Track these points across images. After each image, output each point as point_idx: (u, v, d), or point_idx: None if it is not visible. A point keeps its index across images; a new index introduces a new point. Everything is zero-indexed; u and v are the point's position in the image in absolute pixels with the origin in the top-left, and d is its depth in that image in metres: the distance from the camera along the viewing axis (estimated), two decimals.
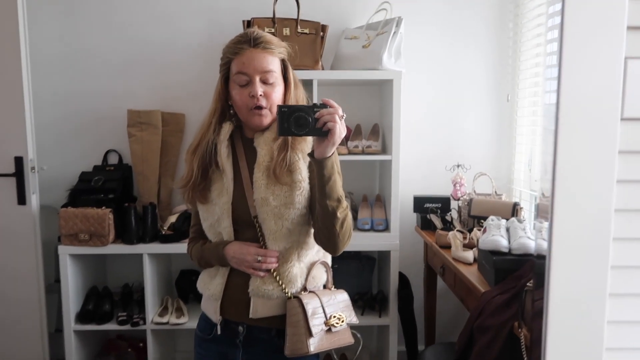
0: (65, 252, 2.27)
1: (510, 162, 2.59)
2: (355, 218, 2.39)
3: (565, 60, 0.72)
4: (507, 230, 1.76)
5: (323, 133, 1.11)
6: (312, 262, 1.30)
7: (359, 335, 1.36)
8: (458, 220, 2.31)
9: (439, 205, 2.39)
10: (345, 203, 1.20)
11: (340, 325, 1.26)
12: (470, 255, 1.92)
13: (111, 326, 2.35)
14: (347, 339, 1.29)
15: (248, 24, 2.28)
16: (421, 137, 2.58)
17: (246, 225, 1.26)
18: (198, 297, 1.96)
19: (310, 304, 1.23)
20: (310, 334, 1.20)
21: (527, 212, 2.30)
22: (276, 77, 1.24)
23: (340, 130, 1.11)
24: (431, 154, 2.59)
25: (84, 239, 2.26)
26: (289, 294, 1.24)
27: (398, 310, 2.37)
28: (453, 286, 2.02)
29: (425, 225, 2.39)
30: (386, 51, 2.19)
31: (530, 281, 1.42)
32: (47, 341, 2.35)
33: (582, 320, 0.80)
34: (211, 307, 1.30)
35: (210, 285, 1.31)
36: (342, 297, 1.33)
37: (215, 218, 1.28)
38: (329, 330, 1.24)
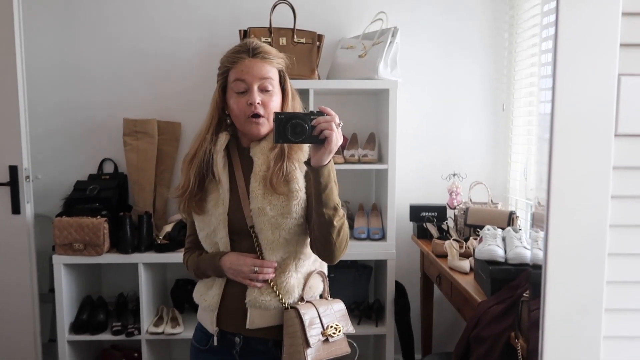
0: (59, 261, 2.25)
1: (506, 171, 2.61)
2: (351, 227, 2.39)
3: (559, 76, 0.73)
4: (503, 239, 1.77)
5: (320, 141, 1.11)
6: (309, 272, 1.30)
7: (355, 345, 1.36)
8: (454, 229, 2.32)
9: (435, 214, 2.40)
10: (341, 211, 1.20)
11: (337, 335, 1.26)
12: (466, 264, 1.92)
13: (105, 336, 2.33)
14: (344, 349, 1.28)
15: (244, 33, 2.28)
16: (417, 146, 2.59)
17: (243, 236, 1.25)
18: (194, 307, 1.95)
19: (308, 314, 1.22)
20: (307, 345, 1.19)
21: (523, 220, 2.31)
22: (274, 85, 1.24)
23: (337, 138, 1.11)
24: (427, 162, 2.59)
25: (78, 249, 2.25)
26: (286, 305, 1.23)
27: (395, 320, 2.36)
28: (450, 295, 2.02)
29: (422, 234, 2.39)
30: (382, 61, 2.20)
31: (526, 291, 1.43)
32: (40, 351, 2.33)
33: (579, 331, 0.80)
34: (208, 318, 1.29)
35: (207, 296, 1.30)
36: (339, 306, 1.32)
37: (212, 229, 1.28)
38: (326, 340, 1.24)
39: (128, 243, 2.28)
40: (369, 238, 2.36)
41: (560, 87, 0.73)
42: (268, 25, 2.27)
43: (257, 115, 1.22)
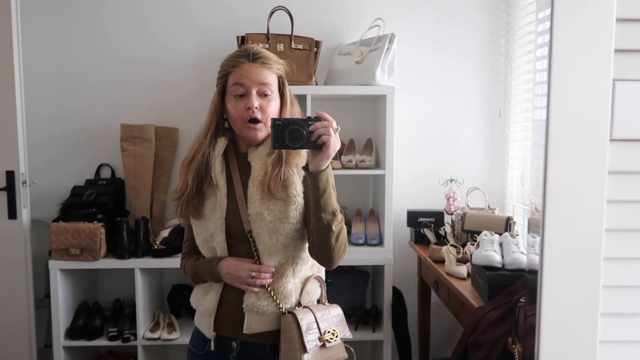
0: (55, 266, 2.24)
1: (503, 176, 2.61)
2: (349, 232, 2.39)
3: (554, 82, 0.73)
4: (501, 245, 1.77)
5: (317, 146, 1.11)
6: (306, 277, 1.30)
7: (352, 350, 1.36)
8: (452, 234, 2.32)
9: (433, 219, 2.40)
10: (340, 216, 1.20)
11: (335, 340, 1.26)
12: (463, 270, 1.92)
13: (101, 342, 2.32)
14: (341, 354, 1.28)
15: (242, 39, 2.29)
16: (414, 152, 2.60)
17: (240, 241, 1.26)
18: (190, 313, 1.94)
19: (305, 319, 1.22)
20: (304, 350, 1.19)
21: (521, 226, 2.31)
22: (273, 91, 1.25)
23: (335, 143, 1.12)
24: (424, 168, 2.60)
25: (75, 254, 2.24)
26: (284, 310, 1.23)
27: (392, 325, 2.36)
28: (447, 301, 2.02)
29: (419, 239, 2.39)
30: (379, 67, 2.21)
31: (523, 297, 1.43)
32: (36, 357, 2.31)
33: (575, 336, 0.80)
34: (205, 323, 1.29)
35: (204, 300, 1.30)
36: (336, 312, 1.32)
37: (209, 233, 1.28)
38: (323, 345, 1.24)
39: (125, 248, 2.28)
40: (366, 243, 2.36)
41: (556, 92, 0.74)
42: (266, 32, 2.28)
43: (255, 120, 1.23)
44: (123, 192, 2.54)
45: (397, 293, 2.40)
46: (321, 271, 1.34)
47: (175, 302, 2.52)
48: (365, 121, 2.58)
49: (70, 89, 2.53)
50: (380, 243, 2.35)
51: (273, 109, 1.25)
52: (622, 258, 0.78)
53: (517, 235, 1.81)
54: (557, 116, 0.74)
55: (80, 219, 2.29)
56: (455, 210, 2.37)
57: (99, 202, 2.37)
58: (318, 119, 1.13)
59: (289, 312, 1.23)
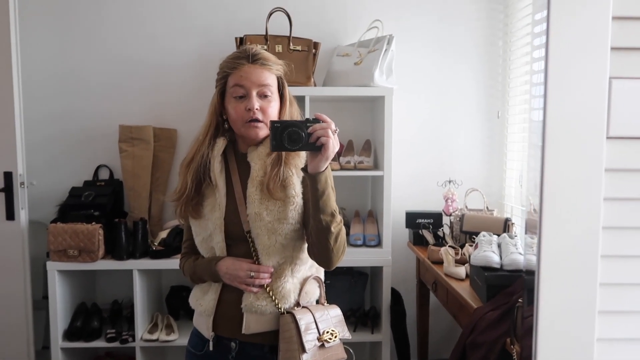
0: (53, 268, 2.24)
1: (502, 178, 2.62)
2: (347, 234, 2.38)
3: (550, 80, 0.74)
4: (499, 246, 1.77)
5: (316, 148, 1.12)
6: (305, 277, 1.30)
7: (351, 351, 1.36)
8: (450, 235, 2.32)
9: (431, 220, 2.40)
10: (339, 217, 1.20)
11: (333, 340, 1.26)
12: (462, 271, 1.92)
13: (100, 343, 2.31)
14: (341, 354, 1.28)
15: (240, 41, 2.30)
16: (413, 153, 2.60)
17: (239, 241, 1.26)
18: (188, 314, 1.93)
19: (304, 319, 1.22)
20: (303, 350, 1.19)
21: (519, 227, 2.32)
22: (272, 92, 1.25)
23: (334, 144, 1.12)
24: (423, 169, 2.60)
25: (73, 255, 2.23)
26: (282, 310, 1.23)
27: (390, 327, 2.36)
28: (445, 302, 2.02)
29: (418, 240, 2.39)
30: (378, 68, 2.21)
31: (521, 297, 1.43)
32: (34, 359, 2.30)
33: (572, 338, 0.80)
34: (203, 323, 1.29)
35: (203, 301, 1.29)
36: (335, 312, 1.32)
37: (208, 233, 1.28)
38: (322, 345, 1.24)
39: (123, 249, 2.28)
40: (365, 245, 2.36)
41: (552, 90, 0.74)
42: (264, 33, 2.29)
43: (256, 120, 1.23)
44: (121, 193, 2.54)
45: (395, 294, 2.40)
46: (320, 272, 1.34)
47: (173, 304, 2.52)
48: (364, 122, 2.58)
49: (68, 89, 2.53)
50: (378, 244, 2.36)
51: (273, 109, 1.25)
52: (619, 256, 0.78)
53: (516, 236, 1.81)
54: (554, 114, 0.74)
55: (79, 220, 2.29)
56: (453, 212, 2.37)
57: (97, 203, 2.36)
58: (317, 120, 1.13)
59: (287, 312, 1.23)
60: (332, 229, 1.18)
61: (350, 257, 2.21)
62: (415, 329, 2.51)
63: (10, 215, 2.23)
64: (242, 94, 1.23)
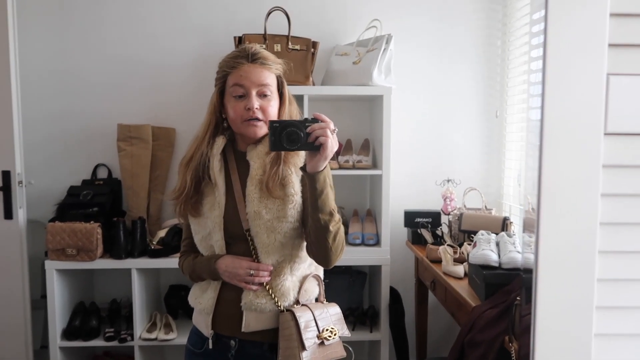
0: (52, 267, 2.24)
1: (500, 177, 2.62)
2: (346, 233, 2.39)
3: (548, 77, 0.74)
4: (497, 244, 1.78)
5: (315, 147, 1.12)
6: (304, 275, 1.30)
7: (351, 349, 1.36)
8: (448, 234, 2.32)
9: (430, 219, 2.41)
10: (337, 216, 1.20)
11: (333, 338, 1.26)
12: (460, 269, 1.92)
13: (98, 342, 2.31)
14: (340, 352, 1.28)
15: (239, 40, 2.30)
16: (411, 152, 2.61)
17: (238, 239, 1.26)
18: (187, 313, 1.94)
19: (303, 317, 1.22)
20: (303, 347, 1.19)
21: (517, 227, 2.32)
22: (272, 91, 1.26)
23: (332, 144, 1.12)
24: (421, 168, 2.61)
25: (71, 254, 2.23)
26: (282, 308, 1.24)
27: (389, 325, 2.36)
28: (444, 301, 2.02)
29: (416, 239, 2.40)
30: (376, 67, 2.22)
31: (519, 295, 1.43)
32: (32, 358, 2.30)
33: (570, 334, 0.81)
34: (203, 321, 1.29)
35: (202, 299, 1.30)
36: (334, 310, 1.33)
37: (207, 232, 1.28)
38: (322, 343, 1.24)
39: (121, 248, 2.27)
40: (363, 244, 2.36)
41: (550, 87, 0.74)
42: (263, 32, 2.29)
43: (256, 119, 1.23)
44: (120, 193, 2.53)
45: (394, 293, 2.40)
46: (319, 270, 1.35)
47: (172, 303, 2.52)
48: (363, 121, 2.59)
49: (66, 88, 2.53)
50: (377, 243, 2.36)
51: (273, 109, 1.26)
52: (616, 251, 0.79)
53: (514, 234, 1.81)
54: (552, 111, 0.75)
55: (77, 219, 2.28)
56: (452, 211, 2.38)
57: (95, 202, 2.36)
58: (315, 120, 1.14)
59: (287, 310, 1.23)
60: (331, 227, 1.18)
61: (348, 256, 2.22)
62: (414, 327, 2.52)
63: (9, 214, 2.23)
64: (242, 93, 1.23)
